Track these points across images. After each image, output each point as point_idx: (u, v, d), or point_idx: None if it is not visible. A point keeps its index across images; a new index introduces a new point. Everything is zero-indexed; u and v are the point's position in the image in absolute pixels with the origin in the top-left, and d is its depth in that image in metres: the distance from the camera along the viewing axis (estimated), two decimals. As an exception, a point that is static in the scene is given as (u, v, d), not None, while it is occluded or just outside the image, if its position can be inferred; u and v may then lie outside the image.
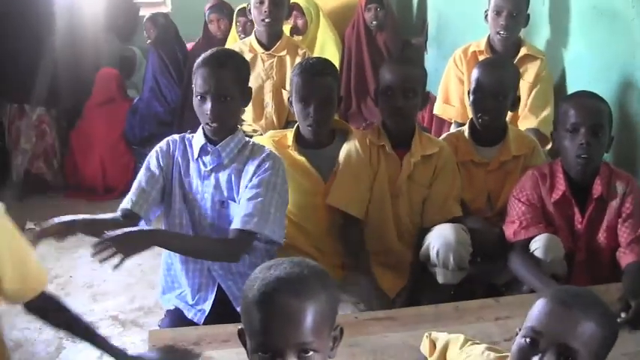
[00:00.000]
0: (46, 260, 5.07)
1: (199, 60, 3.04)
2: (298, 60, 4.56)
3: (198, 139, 3.09)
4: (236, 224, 2.95)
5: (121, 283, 4.77)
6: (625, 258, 3.05)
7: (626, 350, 2.43)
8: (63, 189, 6.46)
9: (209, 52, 3.09)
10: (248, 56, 4.54)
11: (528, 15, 4.32)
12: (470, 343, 2.15)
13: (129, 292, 4.66)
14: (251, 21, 5.45)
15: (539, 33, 4.39)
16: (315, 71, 3.39)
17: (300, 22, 6.04)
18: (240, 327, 1.84)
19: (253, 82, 4.50)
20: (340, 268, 3.47)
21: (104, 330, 4.16)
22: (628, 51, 3.73)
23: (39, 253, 4.98)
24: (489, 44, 4.38)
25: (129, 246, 2.71)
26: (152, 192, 3.08)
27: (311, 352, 1.73)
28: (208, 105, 2.96)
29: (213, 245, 3.04)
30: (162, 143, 3.16)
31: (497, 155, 3.55)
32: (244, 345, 1.83)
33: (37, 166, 6.32)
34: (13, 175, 6.31)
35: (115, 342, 3.86)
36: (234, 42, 5.34)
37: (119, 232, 2.70)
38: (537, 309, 1.80)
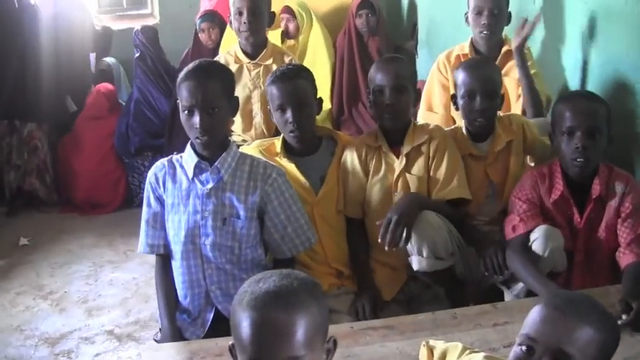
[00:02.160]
0: (41, 276, 5.06)
1: (182, 74, 3.00)
2: None
3: (189, 157, 3.05)
4: (282, 254, 3.17)
5: (116, 297, 4.74)
6: (624, 258, 3.02)
7: (628, 354, 2.41)
8: (56, 204, 6.43)
9: (191, 65, 3.05)
10: (234, 67, 4.53)
11: (510, 13, 4.24)
12: (468, 352, 2.12)
13: (124, 306, 4.61)
14: None
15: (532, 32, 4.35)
16: (286, 77, 3.39)
17: (291, 25, 6.02)
18: (231, 342, 1.81)
19: (240, 93, 4.48)
20: (334, 276, 3.46)
21: (100, 345, 4.15)
22: (622, 49, 3.70)
23: (34, 268, 5.05)
24: (473, 46, 4.29)
25: None
26: (162, 226, 3.11)
27: None
28: (196, 118, 2.92)
29: None
30: (151, 176, 3.12)
31: (491, 147, 3.52)
32: (235, 359, 1.80)
33: (29, 182, 6.29)
34: (6, 192, 6.29)
35: (112, 357, 3.89)
36: (229, 46, 5.30)
37: None
38: (532, 316, 1.77)
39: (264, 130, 4.64)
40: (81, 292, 4.84)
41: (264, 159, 3.21)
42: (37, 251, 5.49)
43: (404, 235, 3.12)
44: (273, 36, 5.59)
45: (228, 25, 5.74)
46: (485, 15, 4.12)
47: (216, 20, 6.12)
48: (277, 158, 3.43)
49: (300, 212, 3.14)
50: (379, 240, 3.16)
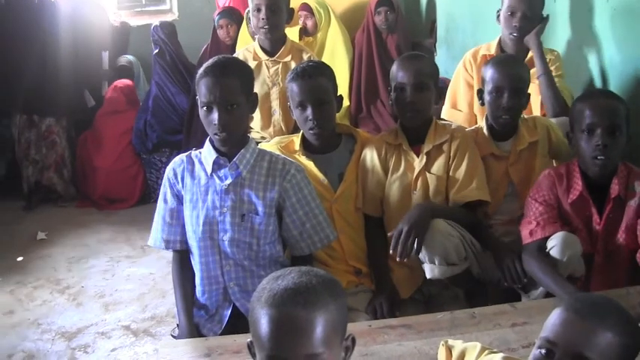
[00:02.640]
0: (58, 271, 5.09)
1: (201, 70, 3.00)
2: None
3: (208, 153, 3.05)
4: (300, 250, 3.17)
5: (132, 292, 4.75)
6: None
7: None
8: (74, 199, 6.47)
9: (210, 61, 3.04)
10: (252, 64, 4.53)
11: (543, 16, 4.17)
12: (487, 352, 2.10)
13: (141, 301, 4.62)
14: None
15: (553, 31, 4.32)
16: (307, 74, 3.38)
17: (309, 22, 6.02)
18: (249, 339, 1.81)
19: (259, 90, 4.49)
20: (352, 274, 3.45)
21: (116, 340, 4.15)
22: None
23: (51, 263, 5.07)
24: (500, 46, 4.26)
25: None
26: (179, 222, 3.11)
27: None
28: (215, 115, 2.92)
29: None
30: (169, 172, 3.13)
31: (514, 147, 3.52)
32: (253, 357, 1.81)
33: (47, 176, 6.33)
34: (24, 186, 6.32)
35: (128, 352, 3.90)
36: (245, 44, 5.30)
37: None
38: (552, 319, 1.76)
39: (283, 127, 4.64)
40: (98, 286, 4.85)
41: (283, 155, 3.20)
42: (55, 246, 5.52)
43: (415, 246, 3.11)
44: (292, 33, 5.59)
45: (244, 22, 5.77)
46: (517, 17, 4.07)
47: (234, 17, 6.12)
48: (296, 155, 3.43)
49: (318, 209, 3.13)
50: (390, 251, 3.16)
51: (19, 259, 5.30)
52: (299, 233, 3.11)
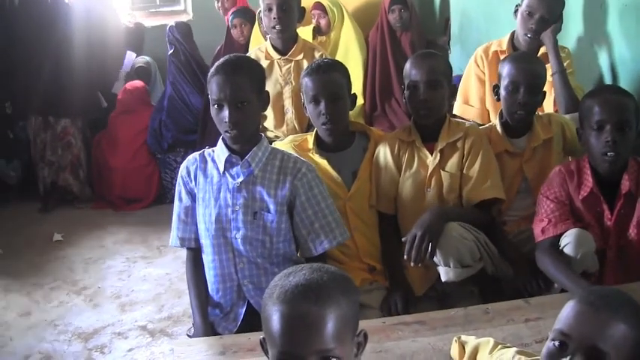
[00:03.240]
0: (75, 272, 5.12)
1: (213, 69, 3.02)
2: None
3: (220, 152, 3.06)
4: (310, 251, 3.12)
5: (149, 292, 4.78)
6: None
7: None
8: (90, 200, 6.50)
9: (221, 60, 3.06)
10: (265, 63, 4.55)
11: (561, 18, 4.16)
12: (500, 347, 2.11)
13: (157, 301, 4.64)
14: None
15: (565, 28, 4.30)
16: (321, 69, 3.41)
17: (322, 21, 6.01)
18: (262, 336, 1.82)
19: (272, 89, 4.51)
20: (366, 271, 3.45)
21: (133, 340, 4.18)
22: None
23: (68, 264, 5.09)
24: (512, 43, 4.26)
25: None
26: (194, 220, 3.13)
27: (334, 359, 1.70)
28: (226, 112, 2.92)
29: None
30: (183, 170, 3.15)
31: (528, 143, 3.53)
32: (266, 354, 1.82)
33: (63, 177, 6.35)
34: (40, 188, 6.35)
35: (145, 352, 3.91)
36: (257, 44, 5.31)
37: None
38: (565, 311, 1.75)
39: (296, 126, 4.65)
40: (114, 287, 4.88)
41: (296, 154, 3.21)
42: (71, 247, 5.55)
43: (429, 250, 3.11)
44: (305, 32, 5.61)
45: (257, 22, 5.78)
46: (535, 18, 4.07)
47: (248, 16, 6.14)
48: (309, 154, 3.44)
49: (329, 209, 3.12)
50: (404, 256, 3.16)
51: (35, 259, 5.33)
52: (307, 233, 3.10)
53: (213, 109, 2.99)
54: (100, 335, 4.25)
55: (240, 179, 3.02)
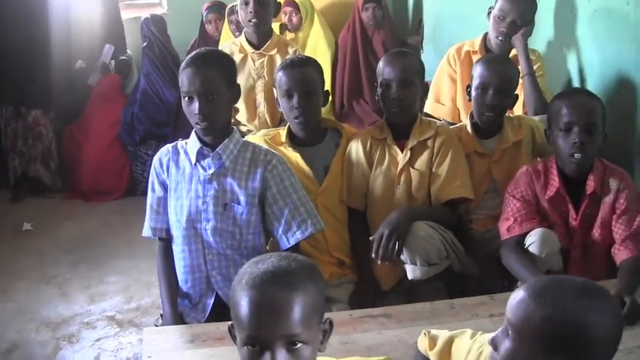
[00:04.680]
0: (44, 262, 5.10)
1: (183, 62, 3.04)
2: None
3: (193, 144, 3.07)
4: (285, 243, 3.10)
5: (118, 283, 4.77)
6: (620, 255, 3.04)
7: (624, 346, 2.41)
8: (61, 190, 6.45)
9: (192, 53, 3.09)
10: (238, 56, 4.60)
11: (533, 22, 4.22)
12: (480, 332, 2.14)
13: (126, 292, 4.64)
14: None
15: (535, 31, 4.36)
16: (295, 64, 3.46)
17: (294, 18, 6.02)
18: (230, 322, 1.86)
19: (244, 83, 4.57)
20: (336, 265, 3.50)
21: (101, 330, 4.18)
22: (624, 47, 3.73)
23: (37, 254, 5.06)
24: (484, 44, 4.32)
25: None
26: (166, 210, 3.14)
27: (300, 344, 1.73)
28: (196, 105, 2.94)
29: None
30: (156, 161, 3.16)
31: (498, 145, 3.58)
32: (234, 339, 1.84)
33: (34, 168, 6.30)
34: (11, 178, 6.31)
35: (112, 342, 3.91)
36: (227, 40, 5.34)
37: None
38: (511, 298, 1.78)
39: (268, 120, 4.69)
40: (83, 277, 4.86)
41: (267, 147, 3.23)
42: (41, 237, 5.52)
43: (396, 249, 3.16)
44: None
45: (226, 18, 5.81)
46: (507, 22, 4.13)
47: (222, 12, 6.14)
48: (282, 148, 3.47)
49: (300, 200, 3.13)
50: (372, 255, 3.21)
51: (4, 249, 5.30)
52: (279, 225, 3.11)
53: (184, 102, 3.01)
54: (68, 325, 4.24)
55: (211, 171, 3.04)
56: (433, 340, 2.28)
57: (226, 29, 5.94)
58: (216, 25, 6.19)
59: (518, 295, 1.76)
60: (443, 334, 2.27)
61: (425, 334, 2.32)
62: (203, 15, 6.27)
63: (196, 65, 2.99)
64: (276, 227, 3.12)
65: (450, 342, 2.23)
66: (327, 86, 5.74)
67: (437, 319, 2.71)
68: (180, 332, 2.78)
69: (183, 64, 3.03)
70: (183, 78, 2.98)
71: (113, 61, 6.77)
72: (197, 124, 2.98)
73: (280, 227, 3.10)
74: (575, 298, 1.70)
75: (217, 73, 3.01)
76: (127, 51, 7.07)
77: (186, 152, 3.11)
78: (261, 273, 1.75)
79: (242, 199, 3.05)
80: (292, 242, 3.10)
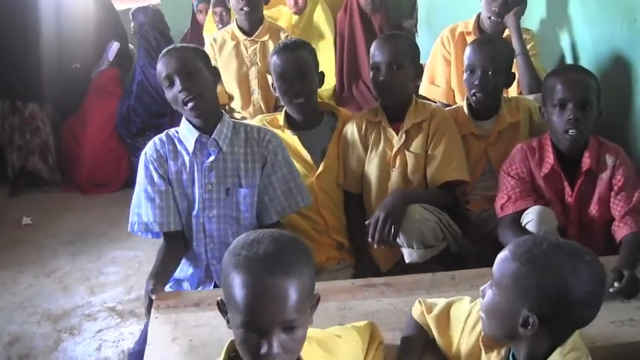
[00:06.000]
0: (44, 255, 5.12)
1: (157, 63, 3.06)
2: None
3: (188, 132, 3.05)
4: (271, 217, 3.12)
5: (117, 275, 4.79)
6: (620, 231, 3.01)
7: (616, 318, 2.45)
8: (59, 184, 6.48)
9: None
10: (231, 44, 4.65)
11: (525, 1, 4.23)
12: (478, 299, 2.15)
13: (126, 283, 4.65)
14: (228, 10, 5.45)
15: (528, 10, 4.35)
16: (289, 48, 3.45)
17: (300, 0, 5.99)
18: (220, 297, 1.88)
19: (238, 70, 4.63)
20: (334, 247, 3.50)
21: (102, 321, 4.19)
22: (616, 25, 3.73)
23: (37, 247, 5.05)
24: (477, 25, 4.32)
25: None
26: (170, 203, 3.05)
27: (295, 328, 1.77)
28: (177, 84, 2.95)
29: None
30: (151, 154, 3.09)
31: (494, 126, 3.58)
32: (224, 314, 1.88)
33: (32, 162, 6.33)
34: (9, 172, 6.33)
35: (114, 332, 3.92)
36: (211, 32, 5.35)
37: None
38: (498, 257, 1.93)
39: (263, 106, 4.71)
40: (83, 269, 4.88)
41: (257, 124, 3.27)
42: (40, 230, 5.54)
43: (392, 232, 3.15)
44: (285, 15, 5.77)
45: (210, 8, 5.82)
46: (499, 1, 4.14)
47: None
48: (279, 131, 3.46)
49: (291, 175, 3.16)
50: (369, 239, 3.21)
51: (4, 243, 5.32)
52: (269, 199, 3.11)
53: (167, 92, 3.01)
54: (69, 317, 4.25)
55: (212, 158, 3.03)
56: (429, 307, 2.29)
57: (210, 20, 5.94)
58: (207, 14, 6.20)
59: (502, 252, 1.92)
60: (440, 301, 2.30)
61: (420, 302, 2.34)
62: (194, 5, 6.28)
63: (168, 52, 3.03)
64: (264, 201, 3.11)
65: (448, 307, 2.27)
66: (333, 69, 5.77)
67: (436, 289, 2.72)
68: (188, 296, 2.84)
69: (157, 64, 3.05)
70: (160, 68, 3.00)
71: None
72: (185, 103, 2.96)
73: (269, 202, 3.11)
74: (550, 255, 1.84)
75: (191, 52, 3.05)
76: (129, 45, 7.09)
77: (180, 141, 3.09)
78: (259, 258, 1.76)
79: (244, 181, 3.05)
80: (279, 217, 3.16)
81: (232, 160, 3.05)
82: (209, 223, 3.06)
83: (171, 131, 3.14)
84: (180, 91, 2.93)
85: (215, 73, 3.16)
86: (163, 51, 3.05)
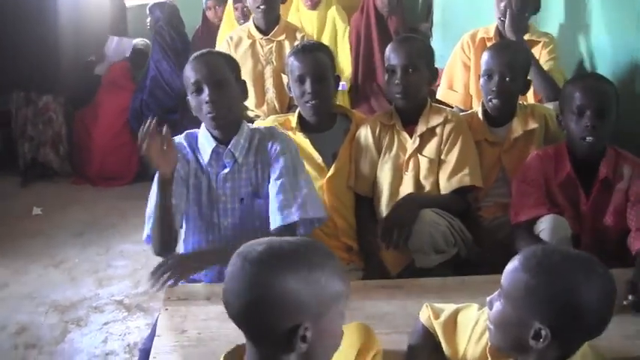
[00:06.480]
0: (53, 246, 5.14)
1: (188, 62, 2.99)
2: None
3: (205, 141, 3.01)
4: (276, 222, 2.92)
5: (125, 268, 4.81)
6: (635, 243, 2.97)
7: (627, 331, 2.43)
8: (70, 175, 6.52)
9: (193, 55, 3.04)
10: (247, 42, 4.64)
11: (539, 2, 4.23)
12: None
13: (133, 277, 4.68)
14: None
15: (548, 15, 4.35)
16: (307, 49, 3.42)
17: None
18: None
19: (253, 68, 4.62)
20: (344, 250, 3.47)
21: (109, 314, 4.21)
22: (636, 33, 3.71)
23: (46, 238, 5.07)
24: (498, 30, 4.29)
25: (184, 268, 2.76)
26: (181, 204, 2.96)
27: None
28: (205, 93, 2.90)
29: None
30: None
31: (508, 133, 3.55)
32: None
33: (43, 153, 6.38)
34: (20, 162, 6.36)
35: (120, 326, 3.92)
36: (229, 28, 5.34)
37: (173, 257, 2.77)
38: (507, 267, 1.90)
39: (277, 106, 4.70)
40: (92, 261, 4.91)
41: (268, 130, 3.17)
42: (50, 221, 5.58)
43: (403, 236, 3.14)
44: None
45: (229, 4, 5.80)
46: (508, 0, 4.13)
47: (221, -3, 6.19)
48: (291, 133, 3.44)
49: (297, 183, 3.01)
50: (379, 242, 3.20)
51: (14, 233, 5.36)
52: (272, 205, 2.98)
53: (192, 97, 2.95)
54: (76, 308, 4.27)
55: (226, 170, 2.99)
56: (436, 313, 2.29)
57: (228, 16, 5.92)
58: (216, 11, 6.24)
59: (511, 262, 1.88)
60: (448, 307, 2.29)
61: (427, 306, 2.34)
62: (203, 2, 6.28)
63: (201, 56, 2.96)
64: (272, 202, 3.00)
65: (455, 313, 2.26)
66: (348, 66, 5.73)
67: (446, 293, 2.69)
68: (198, 290, 2.83)
69: (186, 65, 2.98)
70: (189, 71, 2.93)
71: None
72: (208, 114, 2.91)
73: (276, 204, 2.96)
74: (562, 267, 1.80)
75: (223, 61, 2.99)
76: (145, 40, 7.10)
77: (197, 147, 3.04)
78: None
79: (260, 191, 3.02)
80: (285, 222, 2.95)
81: (247, 171, 3.01)
82: (224, 229, 3.03)
83: (190, 135, 3.08)
84: (206, 102, 2.88)
85: (242, 88, 3.10)
86: (195, 54, 2.99)
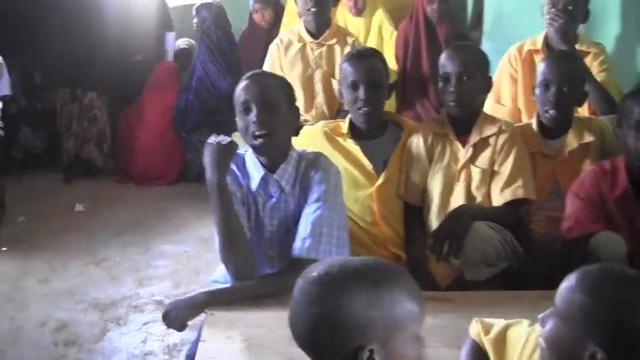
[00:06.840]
0: (94, 243, 5.16)
1: (241, 80, 2.87)
2: (347, 49, 4.55)
3: (254, 167, 2.88)
4: (293, 250, 2.78)
5: (166, 268, 4.79)
6: None
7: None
8: (113, 173, 6.55)
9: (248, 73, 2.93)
10: (297, 46, 4.62)
11: (588, 10, 4.17)
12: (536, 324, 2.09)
13: (174, 277, 4.65)
14: None
15: (603, 25, 4.28)
16: (362, 55, 3.40)
17: (360, 1, 5.86)
18: None
19: (303, 72, 4.60)
20: (392, 260, 3.40)
21: (149, 314, 4.19)
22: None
23: (87, 235, 5.08)
24: (546, 41, 4.23)
25: (183, 320, 2.71)
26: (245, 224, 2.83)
27: None
28: (253, 113, 2.77)
29: (264, 288, 2.73)
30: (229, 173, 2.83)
31: (563, 146, 3.48)
32: None
33: (87, 150, 6.43)
34: (64, 159, 6.41)
35: (160, 326, 3.90)
36: (290, 25, 5.30)
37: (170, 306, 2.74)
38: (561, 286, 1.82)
39: (325, 111, 4.67)
40: (132, 261, 4.91)
41: (313, 157, 2.97)
42: (92, 218, 5.59)
43: (454, 248, 3.10)
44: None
45: (288, 4, 5.78)
46: (559, 9, 4.07)
47: (269, 1, 6.17)
48: (342, 140, 3.43)
49: (322, 220, 2.80)
50: (430, 252, 3.16)
51: (56, 229, 5.38)
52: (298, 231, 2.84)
53: (239, 118, 2.82)
54: (116, 307, 4.27)
55: (273, 201, 2.89)
56: (486, 328, 2.23)
57: (290, 11, 5.86)
58: (262, 14, 6.22)
59: (566, 280, 1.81)
60: (498, 322, 2.23)
61: (477, 321, 2.28)
62: (250, 4, 6.27)
63: (254, 76, 2.87)
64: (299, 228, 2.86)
65: (505, 329, 2.20)
66: (393, 68, 5.68)
67: (498, 308, 2.61)
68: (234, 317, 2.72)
69: (239, 84, 2.86)
70: (239, 91, 2.82)
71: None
72: (254, 135, 2.79)
73: (300, 231, 2.82)
74: (617, 287, 1.73)
75: (277, 84, 2.89)
76: (190, 40, 7.12)
77: (246, 172, 2.92)
78: None
79: None
80: (299, 254, 2.77)
81: (294, 201, 2.88)
82: (270, 260, 2.91)
83: (241, 157, 2.93)
84: (253, 122, 2.76)
85: (295, 114, 2.96)
86: (247, 74, 2.89)
